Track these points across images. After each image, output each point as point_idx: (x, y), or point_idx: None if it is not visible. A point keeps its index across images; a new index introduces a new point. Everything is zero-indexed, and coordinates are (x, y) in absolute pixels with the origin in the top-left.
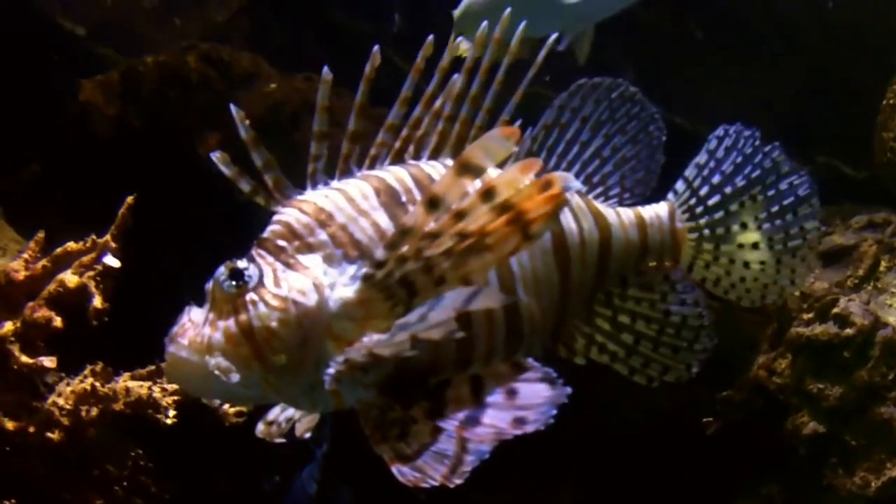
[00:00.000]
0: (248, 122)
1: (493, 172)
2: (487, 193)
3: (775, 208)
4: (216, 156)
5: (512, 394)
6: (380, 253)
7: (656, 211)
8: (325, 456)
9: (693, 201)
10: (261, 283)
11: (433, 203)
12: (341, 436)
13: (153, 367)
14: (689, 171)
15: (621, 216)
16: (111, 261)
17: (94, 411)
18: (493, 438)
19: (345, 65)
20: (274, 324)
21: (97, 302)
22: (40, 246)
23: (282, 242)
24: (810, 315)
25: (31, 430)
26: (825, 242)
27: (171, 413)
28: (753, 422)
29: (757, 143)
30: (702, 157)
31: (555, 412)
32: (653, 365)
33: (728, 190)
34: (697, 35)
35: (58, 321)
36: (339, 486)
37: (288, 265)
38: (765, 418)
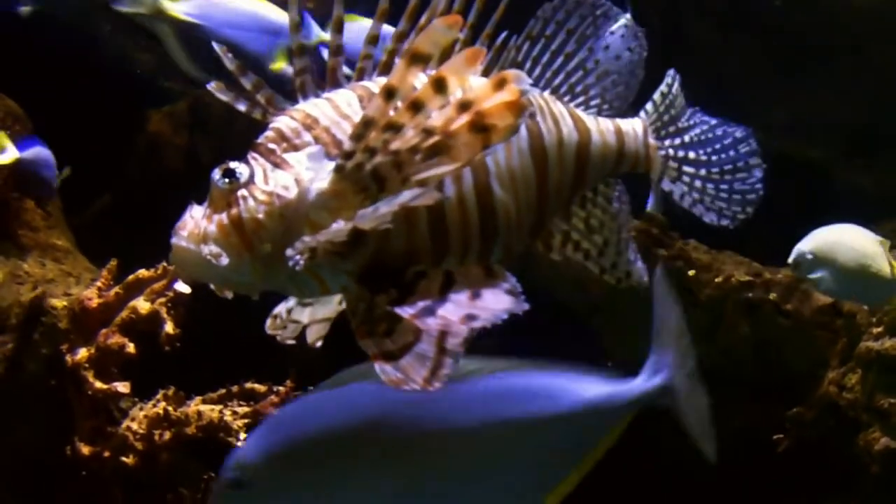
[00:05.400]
0: (230, 54)
1: (474, 81)
2: (437, 82)
3: (718, 145)
4: (212, 85)
5: (476, 296)
6: (347, 144)
7: (632, 124)
8: None
9: (659, 124)
10: (251, 181)
11: (389, 93)
12: None
13: (224, 391)
14: (657, 96)
15: (600, 123)
16: (182, 287)
17: (167, 435)
18: (439, 329)
19: None
20: (260, 216)
21: (169, 328)
22: (113, 274)
23: (272, 145)
24: (880, 329)
25: (107, 454)
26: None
27: (242, 436)
28: (825, 439)
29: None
30: (664, 87)
31: (505, 316)
32: (619, 267)
33: (682, 124)
34: (760, 48)
35: (131, 347)
36: None
37: (276, 165)
38: (836, 435)
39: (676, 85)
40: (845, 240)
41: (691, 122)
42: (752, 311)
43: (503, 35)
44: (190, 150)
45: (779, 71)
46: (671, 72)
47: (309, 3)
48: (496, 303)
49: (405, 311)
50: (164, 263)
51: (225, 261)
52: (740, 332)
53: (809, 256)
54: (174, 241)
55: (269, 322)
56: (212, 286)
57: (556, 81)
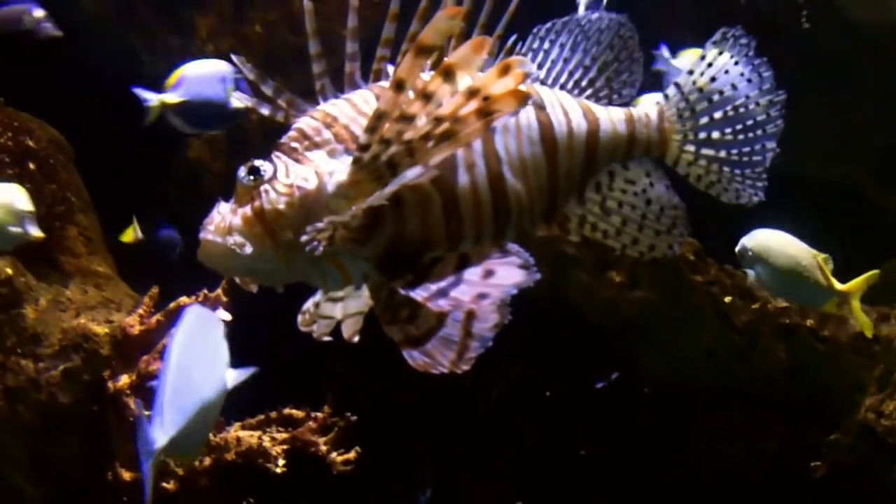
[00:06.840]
0: (249, 63)
1: (479, 76)
2: (447, 72)
3: (749, 122)
4: (236, 95)
5: (489, 274)
6: (362, 137)
7: (646, 111)
8: (429, 502)
9: (682, 105)
10: (274, 176)
11: (399, 85)
12: (444, 482)
13: (262, 417)
14: (682, 78)
15: (611, 112)
16: (223, 314)
17: (207, 461)
18: (450, 309)
19: None
20: (281, 206)
21: None
22: (154, 301)
23: (294, 144)
24: None
25: None
26: None
27: (281, 462)
28: (861, 465)
29: (750, 53)
30: (695, 64)
31: (515, 291)
32: (641, 242)
33: (715, 98)
34: (795, 76)
35: None
36: None
37: (298, 161)
38: (873, 461)
39: (716, 53)
40: (779, 246)
41: (731, 93)
42: (788, 336)
43: (511, 39)
44: (228, 175)
45: (811, 92)
46: (715, 37)
47: None
48: (507, 278)
49: (417, 294)
50: (205, 290)
51: (249, 250)
52: (776, 356)
53: (750, 253)
54: (202, 235)
55: (299, 319)
56: (237, 279)
57: (562, 80)
